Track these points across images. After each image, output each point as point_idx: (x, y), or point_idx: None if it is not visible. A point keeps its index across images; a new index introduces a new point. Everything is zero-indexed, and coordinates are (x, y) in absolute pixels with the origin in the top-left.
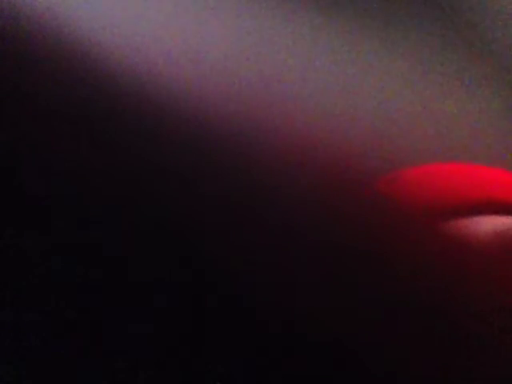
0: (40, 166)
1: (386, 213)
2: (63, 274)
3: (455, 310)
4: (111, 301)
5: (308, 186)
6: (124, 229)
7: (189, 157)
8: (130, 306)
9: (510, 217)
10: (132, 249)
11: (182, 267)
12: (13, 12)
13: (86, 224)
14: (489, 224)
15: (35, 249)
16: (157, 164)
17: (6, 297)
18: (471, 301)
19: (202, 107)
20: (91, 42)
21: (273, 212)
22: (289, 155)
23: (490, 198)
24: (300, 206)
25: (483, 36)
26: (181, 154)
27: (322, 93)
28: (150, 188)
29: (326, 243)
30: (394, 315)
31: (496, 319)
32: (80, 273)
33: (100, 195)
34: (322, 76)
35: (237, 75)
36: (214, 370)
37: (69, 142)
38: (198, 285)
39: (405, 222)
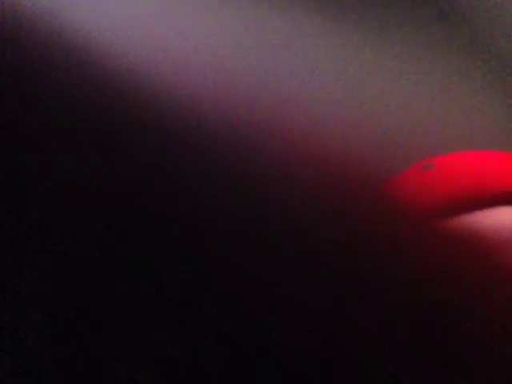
0: (40, 167)
1: (399, 211)
2: (63, 275)
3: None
4: (110, 301)
5: (310, 185)
6: (123, 228)
7: (189, 156)
8: (129, 306)
9: None
10: (131, 248)
11: (182, 267)
12: (13, 12)
13: (86, 224)
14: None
15: (35, 250)
16: (156, 164)
17: (6, 297)
18: (487, 295)
19: (202, 107)
20: (91, 42)
21: (274, 212)
22: (290, 154)
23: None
24: (303, 206)
25: (483, 36)
26: (180, 153)
27: (323, 92)
28: (149, 188)
29: (332, 243)
30: (396, 315)
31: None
32: (79, 272)
33: (99, 195)
34: (323, 76)
35: (237, 75)
36: (214, 370)
37: (69, 142)
38: (197, 285)
39: (418, 219)
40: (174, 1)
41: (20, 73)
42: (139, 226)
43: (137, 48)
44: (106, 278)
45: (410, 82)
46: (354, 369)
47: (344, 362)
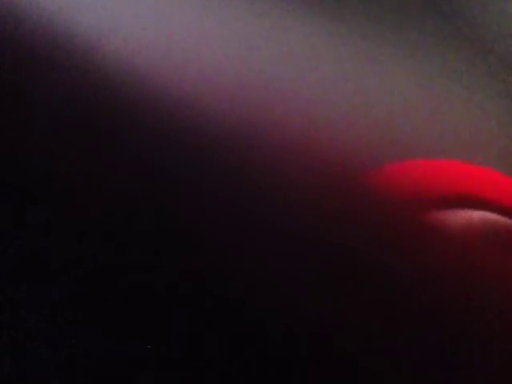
0: (40, 166)
1: (374, 206)
2: (64, 275)
3: (442, 300)
4: (110, 301)
5: (310, 185)
6: (123, 228)
7: (189, 156)
8: (129, 306)
9: (485, 211)
10: (132, 248)
11: (182, 267)
12: (13, 12)
13: (85, 224)
14: (465, 217)
15: (35, 249)
16: (156, 164)
17: (6, 297)
18: (456, 289)
19: (202, 107)
20: (91, 42)
21: (274, 212)
22: (290, 155)
23: (467, 192)
24: (302, 206)
25: (483, 36)
26: (181, 153)
27: (322, 93)
28: (149, 188)
29: (320, 239)
30: (386, 312)
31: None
32: (79, 272)
33: (99, 195)
34: (321, 75)
35: (237, 75)
36: (213, 371)
37: (69, 142)
38: (197, 285)
39: (391, 213)
40: (174, 1)
41: (20, 73)
42: (139, 225)
43: (137, 48)
44: (105, 278)
45: (409, 82)
46: (354, 369)
47: (343, 363)
